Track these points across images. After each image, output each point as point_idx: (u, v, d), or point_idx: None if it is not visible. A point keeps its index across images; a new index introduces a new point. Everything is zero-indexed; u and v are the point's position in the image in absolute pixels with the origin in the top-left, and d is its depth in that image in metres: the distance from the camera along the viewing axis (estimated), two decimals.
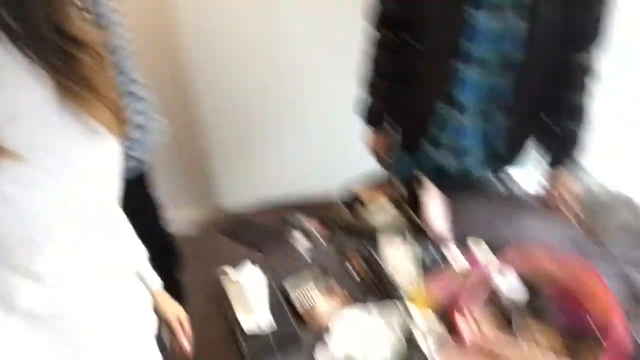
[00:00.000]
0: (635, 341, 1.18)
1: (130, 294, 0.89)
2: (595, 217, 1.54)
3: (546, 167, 1.58)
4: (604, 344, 1.21)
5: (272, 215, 1.68)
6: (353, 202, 1.59)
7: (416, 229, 1.54)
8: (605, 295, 1.28)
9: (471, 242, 1.49)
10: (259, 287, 1.32)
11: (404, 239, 1.53)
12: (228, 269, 1.37)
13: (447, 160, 1.66)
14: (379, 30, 1.60)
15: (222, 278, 1.37)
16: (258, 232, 1.59)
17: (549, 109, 1.52)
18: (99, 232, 0.74)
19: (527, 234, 1.52)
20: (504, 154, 1.61)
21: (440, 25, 1.44)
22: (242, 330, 1.26)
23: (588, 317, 1.28)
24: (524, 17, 1.33)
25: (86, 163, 0.67)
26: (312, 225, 1.59)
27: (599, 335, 1.24)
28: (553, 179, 1.58)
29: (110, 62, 0.70)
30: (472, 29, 1.39)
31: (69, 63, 0.63)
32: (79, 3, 0.64)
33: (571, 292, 1.35)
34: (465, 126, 1.57)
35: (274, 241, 1.55)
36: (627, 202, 1.54)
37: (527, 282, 1.36)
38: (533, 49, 1.36)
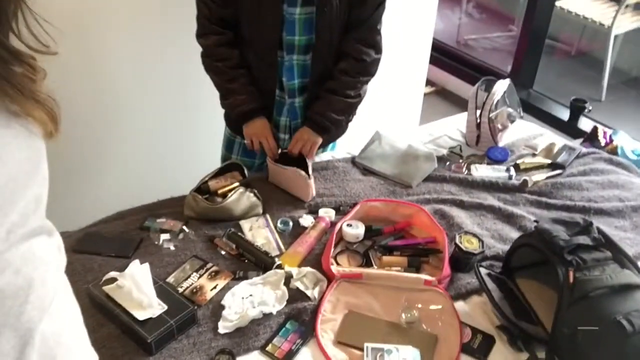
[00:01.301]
0: (455, 250, 1.54)
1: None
2: (405, 168, 1.91)
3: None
4: (439, 255, 1.56)
5: (124, 223, 1.68)
6: (206, 193, 1.70)
7: (271, 206, 1.74)
8: (431, 224, 1.63)
9: (321, 211, 1.73)
10: (146, 282, 1.36)
11: (262, 216, 1.70)
12: (114, 274, 1.37)
13: (285, 142, 1.89)
14: (210, 32, 1.70)
15: (106, 288, 1.36)
16: (118, 241, 1.59)
17: (324, 82, 1.79)
18: (29, 226, 0.79)
19: (357, 193, 1.82)
20: None
21: (263, 22, 1.65)
22: (140, 322, 1.29)
23: (420, 241, 1.63)
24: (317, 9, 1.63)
25: (19, 158, 0.75)
26: (169, 224, 1.66)
27: (431, 250, 1.59)
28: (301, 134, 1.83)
29: (44, 74, 0.78)
30: (289, 23, 1.65)
31: (7, 72, 0.71)
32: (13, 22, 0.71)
33: (404, 227, 1.68)
34: (296, 107, 1.82)
35: (138, 246, 1.58)
36: (427, 155, 1.94)
37: (370, 227, 1.66)
38: (319, 33, 1.68)
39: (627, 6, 3.77)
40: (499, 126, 2.07)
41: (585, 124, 3.21)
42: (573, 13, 3.89)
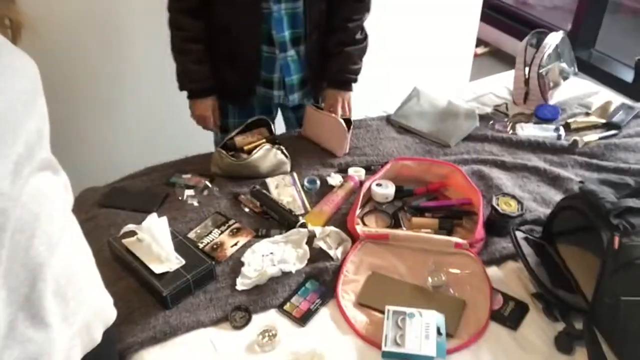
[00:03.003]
0: (492, 212, 1.43)
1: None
2: (443, 126, 1.80)
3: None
4: (474, 218, 1.46)
5: (150, 179, 1.66)
6: (233, 149, 1.65)
7: (299, 164, 1.68)
8: (467, 184, 1.53)
9: (350, 170, 1.65)
10: (164, 236, 1.33)
11: (289, 174, 1.65)
12: (132, 227, 1.35)
13: (280, 98, 1.77)
14: None
15: (125, 241, 1.35)
16: (143, 196, 1.58)
17: (331, 38, 1.69)
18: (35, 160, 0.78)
19: (390, 152, 1.73)
20: (313, 80, 1.78)
21: None
22: (157, 276, 1.27)
23: (454, 202, 1.53)
24: None
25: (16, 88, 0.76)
26: (194, 180, 1.63)
27: (465, 212, 1.49)
28: (332, 98, 1.76)
29: None
30: None
31: None
32: None
33: (437, 187, 1.58)
34: (289, 61, 1.69)
35: (163, 202, 1.56)
36: (468, 112, 1.82)
37: (401, 187, 1.57)
38: None
39: None
40: (550, 83, 1.91)
41: None
42: None
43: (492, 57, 3.97)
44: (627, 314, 1.11)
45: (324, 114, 1.74)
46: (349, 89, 1.75)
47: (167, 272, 1.29)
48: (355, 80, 1.75)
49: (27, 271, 0.77)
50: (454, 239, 1.36)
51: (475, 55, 3.24)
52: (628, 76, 3.13)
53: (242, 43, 1.66)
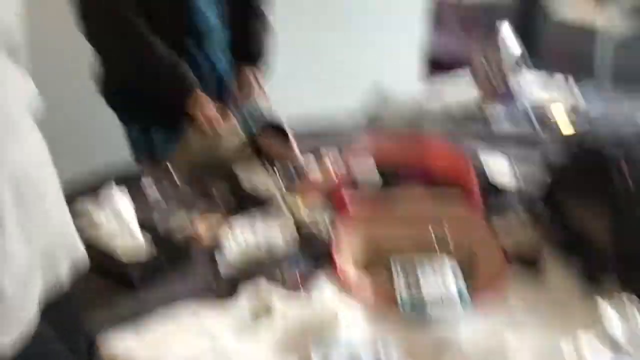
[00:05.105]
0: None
1: None
2: None
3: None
4: (464, 188, 1.37)
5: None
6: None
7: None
8: (451, 155, 1.46)
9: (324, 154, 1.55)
10: (126, 212, 1.15)
11: (262, 164, 1.51)
12: (88, 205, 1.17)
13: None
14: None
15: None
16: None
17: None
18: None
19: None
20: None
21: None
22: (122, 261, 1.08)
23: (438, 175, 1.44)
24: None
25: None
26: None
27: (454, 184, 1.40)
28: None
29: None
30: None
31: None
32: None
33: (418, 165, 1.49)
34: (214, 48, 1.59)
35: None
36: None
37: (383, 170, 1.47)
38: None
39: None
40: None
41: None
42: None
43: None
44: None
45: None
46: None
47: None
48: None
49: None
50: None
51: None
52: None
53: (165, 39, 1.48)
